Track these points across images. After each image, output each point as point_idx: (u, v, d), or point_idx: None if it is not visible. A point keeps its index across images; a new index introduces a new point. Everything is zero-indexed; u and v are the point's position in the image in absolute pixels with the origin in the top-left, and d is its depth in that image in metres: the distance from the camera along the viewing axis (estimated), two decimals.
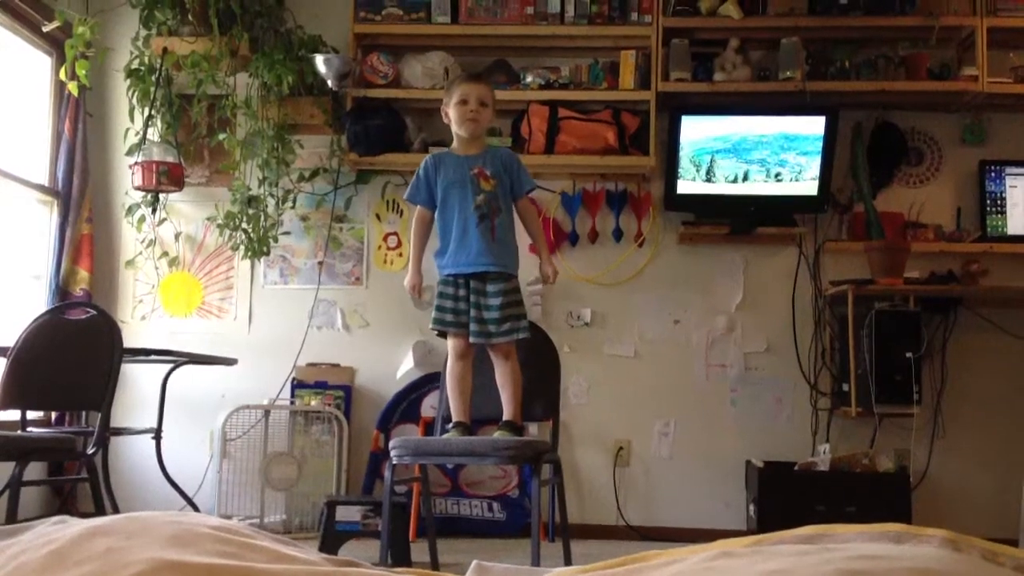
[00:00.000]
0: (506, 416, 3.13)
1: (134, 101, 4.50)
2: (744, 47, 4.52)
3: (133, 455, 4.50)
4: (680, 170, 4.47)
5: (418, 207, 3.26)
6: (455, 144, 3.25)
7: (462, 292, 3.14)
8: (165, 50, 4.39)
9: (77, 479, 4.09)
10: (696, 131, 4.47)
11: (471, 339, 3.12)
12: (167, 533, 1.31)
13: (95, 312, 3.64)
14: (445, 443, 3.05)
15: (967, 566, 1.10)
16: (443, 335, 3.24)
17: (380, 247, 4.76)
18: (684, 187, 4.49)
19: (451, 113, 3.15)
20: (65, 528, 1.38)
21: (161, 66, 4.44)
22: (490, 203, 3.10)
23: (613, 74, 4.53)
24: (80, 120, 4.52)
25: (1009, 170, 4.55)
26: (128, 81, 4.49)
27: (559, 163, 4.50)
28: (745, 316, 4.62)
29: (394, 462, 3.05)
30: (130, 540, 1.27)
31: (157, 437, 3.99)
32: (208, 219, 4.69)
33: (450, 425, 3.14)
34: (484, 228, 3.09)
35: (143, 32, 4.47)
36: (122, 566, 1.20)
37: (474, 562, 1.42)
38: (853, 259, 4.45)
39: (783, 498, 4.14)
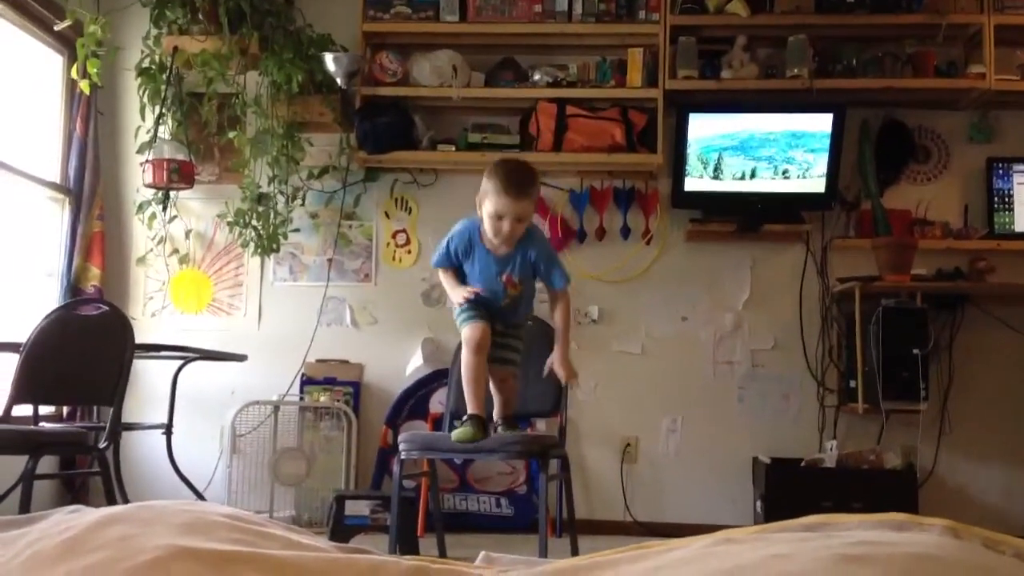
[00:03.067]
0: (505, 413, 3.09)
1: (145, 99, 4.53)
2: (751, 45, 4.53)
3: (144, 450, 4.54)
4: (687, 167, 4.49)
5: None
6: (486, 230, 2.92)
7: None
8: (176, 49, 4.42)
9: (89, 473, 4.12)
10: (703, 128, 4.48)
11: (491, 363, 3.01)
12: (181, 521, 1.33)
13: (107, 308, 3.67)
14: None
15: (967, 553, 1.12)
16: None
17: (389, 244, 4.78)
18: (691, 184, 4.50)
19: (483, 217, 2.88)
20: (80, 516, 1.40)
21: (172, 65, 4.47)
22: (515, 301, 3.01)
23: (621, 72, 4.55)
24: (91, 118, 4.56)
25: (1017, 167, 4.55)
26: (139, 79, 4.52)
27: (567, 161, 4.52)
28: (752, 313, 4.63)
29: (403, 456, 3.07)
30: (145, 527, 1.29)
31: (168, 432, 4.02)
32: (218, 216, 4.72)
33: (464, 417, 3.06)
34: (509, 311, 3.03)
35: (154, 31, 4.50)
36: (137, 552, 1.23)
37: (482, 553, 1.44)
38: (860, 256, 4.45)
39: (790, 494, 4.15)
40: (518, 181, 2.84)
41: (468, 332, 2.95)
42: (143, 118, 4.56)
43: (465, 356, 2.97)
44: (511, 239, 2.87)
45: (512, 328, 3.06)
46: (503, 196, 2.80)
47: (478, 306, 2.96)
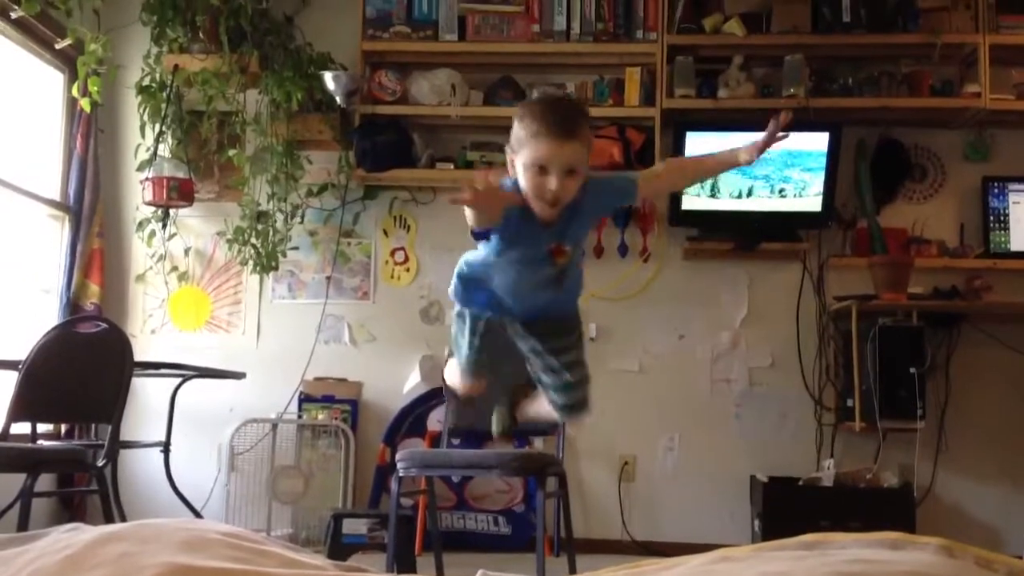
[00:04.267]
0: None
1: (145, 117, 4.55)
2: (748, 64, 4.55)
3: (142, 468, 4.53)
4: None
5: None
6: (524, 190, 2.14)
7: (506, 331, 2.42)
8: (176, 67, 4.45)
9: (87, 491, 4.12)
10: (700, 147, 4.49)
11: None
12: (179, 539, 1.33)
13: (106, 326, 3.67)
14: (451, 455, 3.08)
15: (961, 571, 1.12)
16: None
17: (387, 262, 4.79)
18: (689, 203, 4.52)
19: (520, 172, 2.10)
20: (79, 534, 1.40)
21: (172, 83, 4.50)
22: (560, 272, 2.26)
23: (618, 91, 4.58)
24: (92, 136, 4.57)
25: (1012, 186, 4.57)
26: (139, 98, 4.55)
27: None
28: (749, 331, 4.64)
29: (400, 474, 3.08)
30: (143, 545, 1.30)
31: (166, 450, 4.02)
32: (217, 234, 4.74)
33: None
34: (547, 294, 2.31)
35: (154, 49, 4.53)
36: (136, 570, 1.23)
37: (480, 571, 1.45)
38: (857, 274, 4.47)
39: (787, 513, 4.14)
40: (563, 116, 2.07)
41: (462, 382, 2.51)
42: (143, 136, 4.58)
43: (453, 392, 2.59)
44: (560, 200, 2.08)
45: (557, 334, 2.37)
46: (545, 139, 2.03)
47: (483, 350, 2.39)
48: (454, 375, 2.56)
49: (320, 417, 4.54)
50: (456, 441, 3.66)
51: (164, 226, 4.68)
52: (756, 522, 4.33)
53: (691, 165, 2.34)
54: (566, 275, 2.28)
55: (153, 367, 3.99)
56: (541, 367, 2.40)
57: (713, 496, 4.55)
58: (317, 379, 4.68)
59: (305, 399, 4.64)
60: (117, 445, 3.50)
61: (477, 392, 2.57)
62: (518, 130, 2.09)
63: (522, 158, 2.07)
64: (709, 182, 4.49)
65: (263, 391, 4.60)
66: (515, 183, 2.11)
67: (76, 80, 4.21)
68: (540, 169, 2.04)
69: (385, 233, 4.81)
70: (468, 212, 2.02)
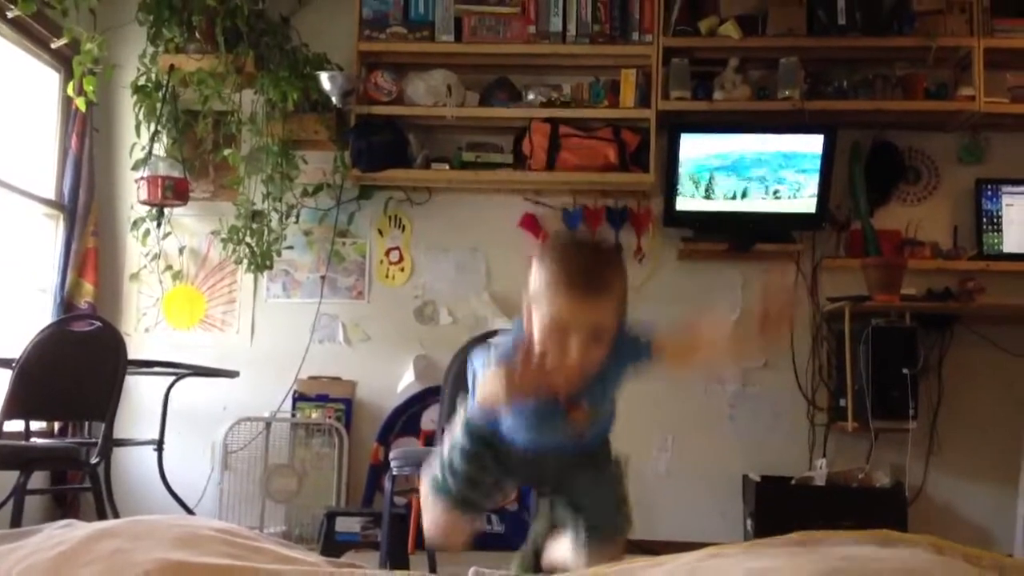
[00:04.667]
0: None
1: (140, 117, 4.54)
2: (743, 66, 4.56)
3: (135, 466, 4.53)
4: (679, 187, 4.52)
5: None
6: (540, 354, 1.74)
7: (515, 459, 1.93)
8: (172, 67, 4.45)
9: (80, 488, 4.11)
10: (696, 149, 4.51)
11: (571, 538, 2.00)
12: (173, 535, 1.34)
13: (100, 324, 3.68)
14: None
15: (949, 568, 1.13)
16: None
17: (382, 262, 4.80)
18: (683, 204, 4.53)
19: (535, 326, 1.71)
20: (73, 530, 1.41)
21: (168, 82, 4.50)
22: (579, 430, 1.94)
23: (614, 92, 4.58)
24: (87, 135, 4.57)
25: (1005, 188, 4.59)
26: (135, 97, 4.54)
27: (560, 180, 4.55)
28: (743, 332, 4.64)
29: (394, 472, 3.08)
30: (137, 541, 1.31)
31: (159, 448, 4.02)
32: (212, 233, 4.74)
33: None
34: (567, 445, 1.97)
35: (150, 49, 4.53)
36: (129, 566, 1.24)
37: (472, 568, 1.46)
38: (850, 276, 4.48)
39: (780, 512, 4.15)
40: (590, 267, 1.70)
41: (443, 521, 1.98)
42: (138, 135, 4.57)
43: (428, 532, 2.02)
44: (582, 372, 1.73)
45: (582, 468, 1.98)
46: (566, 295, 1.66)
47: (486, 470, 1.93)
48: (431, 511, 1.97)
49: (314, 416, 4.55)
50: None
51: (159, 225, 4.68)
52: (748, 521, 4.34)
53: (700, 354, 1.92)
54: (588, 429, 1.93)
55: (147, 365, 3.99)
56: (563, 503, 2.02)
57: (706, 495, 4.56)
58: (311, 378, 4.68)
59: (299, 398, 4.64)
60: (110, 443, 3.50)
61: (459, 540, 2.03)
62: (536, 276, 1.70)
63: (539, 310, 1.68)
64: (704, 183, 4.50)
65: (257, 390, 4.60)
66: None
67: (72, 79, 4.20)
68: (560, 331, 1.66)
69: (380, 233, 4.82)
70: (489, 391, 1.69)
